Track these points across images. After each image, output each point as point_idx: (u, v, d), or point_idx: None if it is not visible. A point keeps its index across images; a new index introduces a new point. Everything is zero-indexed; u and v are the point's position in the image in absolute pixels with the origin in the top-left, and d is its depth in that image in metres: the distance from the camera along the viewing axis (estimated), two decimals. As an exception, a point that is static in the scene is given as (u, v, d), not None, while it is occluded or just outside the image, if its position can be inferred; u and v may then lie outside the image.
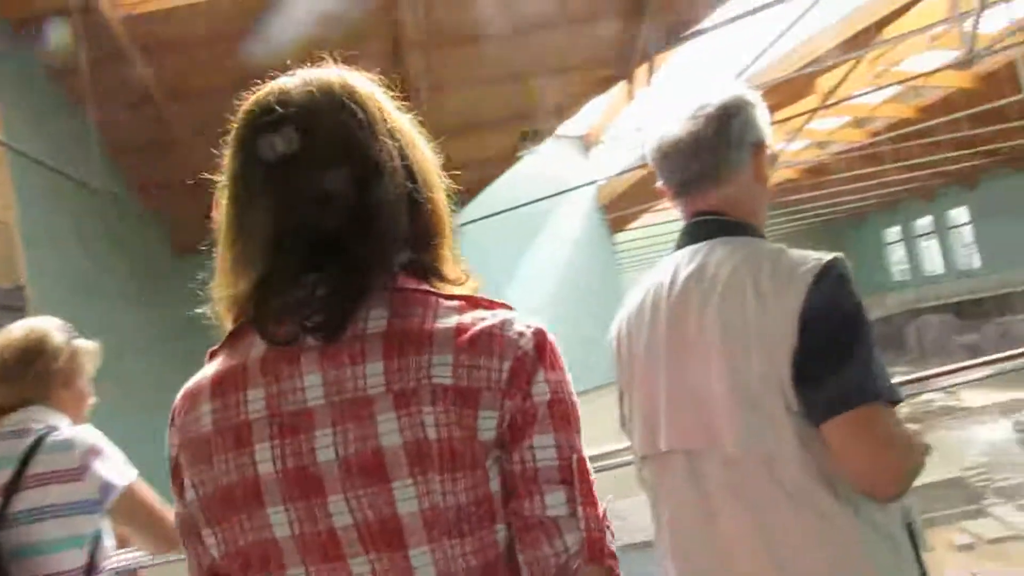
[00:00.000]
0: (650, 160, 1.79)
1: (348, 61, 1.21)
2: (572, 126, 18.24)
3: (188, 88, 7.37)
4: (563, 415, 1.09)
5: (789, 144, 20.07)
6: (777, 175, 24.70)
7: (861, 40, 14.94)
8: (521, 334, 1.09)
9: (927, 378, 3.53)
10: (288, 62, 1.21)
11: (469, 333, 1.07)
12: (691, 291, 1.65)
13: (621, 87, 10.34)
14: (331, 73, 1.19)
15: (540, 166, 14.58)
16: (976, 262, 32.90)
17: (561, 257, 18.78)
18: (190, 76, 7.17)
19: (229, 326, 1.16)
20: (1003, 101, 15.76)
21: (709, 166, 1.72)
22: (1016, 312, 25.66)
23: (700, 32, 9.46)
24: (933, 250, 36.15)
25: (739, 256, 1.63)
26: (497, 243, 15.76)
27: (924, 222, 36.21)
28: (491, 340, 1.08)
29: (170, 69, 7.14)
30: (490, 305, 1.14)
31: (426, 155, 1.21)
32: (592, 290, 18.94)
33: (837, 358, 1.49)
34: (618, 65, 9.02)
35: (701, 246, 1.71)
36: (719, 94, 1.74)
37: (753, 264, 1.60)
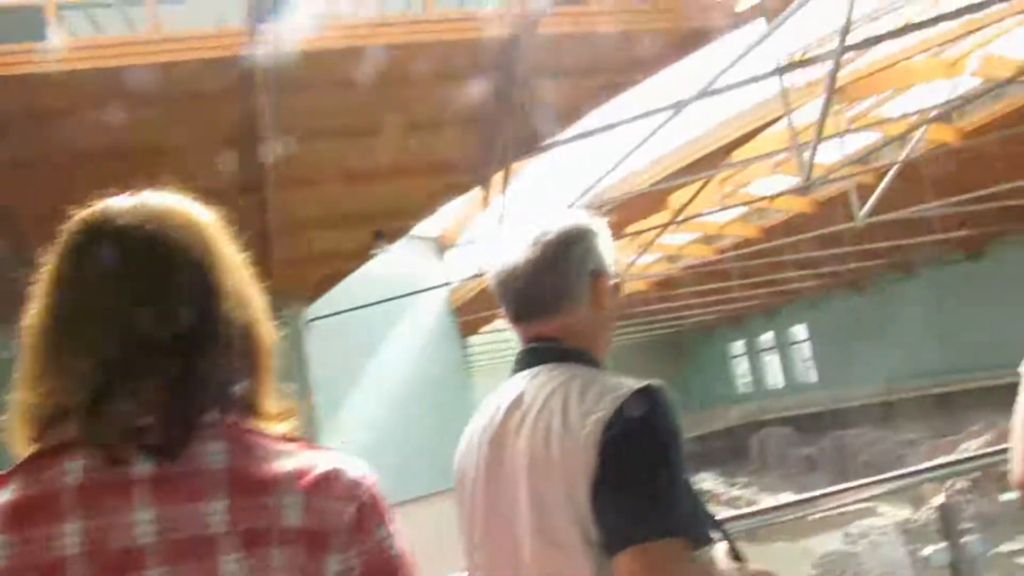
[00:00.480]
0: (491, 285, 1.78)
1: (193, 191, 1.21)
2: (428, 227, 18.41)
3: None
4: (412, 564, 1.14)
5: (640, 257, 20.80)
6: (629, 286, 25.52)
7: (711, 161, 15.78)
8: (358, 482, 1.12)
9: (787, 506, 3.69)
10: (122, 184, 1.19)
11: (310, 476, 1.08)
12: (509, 420, 1.65)
13: (477, 192, 10.57)
14: (170, 198, 1.19)
15: (394, 265, 14.62)
16: (814, 377, 34.60)
17: (411, 358, 18.69)
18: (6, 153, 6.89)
19: (24, 444, 1.08)
20: (837, 227, 16.85)
21: (546, 294, 1.70)
22: (849, 426, 26.91)
23: (558, 143, 9.81)
24: (775, 364, 37.83)
25: (555, 383, 1.61)
26: (347, 339, 15.57)
27: (767, 337, 37.93)
28: (332, 484, 1.09)
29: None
30: (317, 448, 1.15)
31: (256, 292, 1.22)
32: (442, 393, 18.87)
33: (633, 489, 1.45)
34: (475, 170, 9.22)
35: (526, 374, 1.70)
36: (560, 221, 1.74)
37: (565, 391, 1.58)
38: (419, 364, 18.84)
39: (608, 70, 8.27)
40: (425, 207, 10.56)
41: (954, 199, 16.54)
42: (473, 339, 28.12)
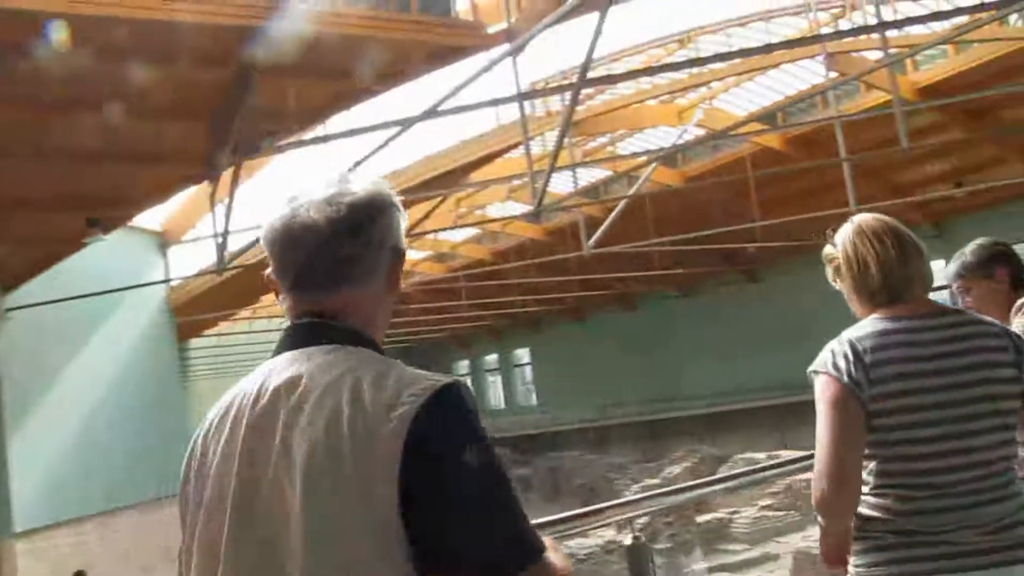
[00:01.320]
0: (267, 241, 1.51)
1: None
2: (150, 219, 17.43)
3: None
4: None
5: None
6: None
7: (449, 180, 15.99)
8: None
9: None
10: None
11: None
12: (277, 408, 1.38)
13: (205, 189, 10.10)
14: None
15: (109, 256, 13.67)
16: (534, 400, 35.90)
17: (122, 357, 17.53)
18: None
19: None
20: (565, 255, 17.56)
21: (342, 262, 1.47)
22: (565, 449, 28.05)
23: (294, 145, 9.56)
24: (498, 385, 38.90)
25: (340, 368, 1.37)
26: (49, 334, 14.41)
27: (491, 358, 38.96)
28: None
29: None
30: None
31: None
32: (153, 397, 17.83)
33: (478, 503, 1.28)
34: (204, 165, 8.77)
35: (300, 354, 1.44)
36: (364, 184, 1.52)
37: (354, 380, 1.35)
38: (131, 365, 17.72)
39: (353, 76, 8.16)
40: (147, 197, 9.96)
41: (671, 238, 17.71)
42: (194, 342, 26.86)
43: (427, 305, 26.57)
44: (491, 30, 8.28)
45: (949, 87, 14.32)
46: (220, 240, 10.67)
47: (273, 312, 27.24)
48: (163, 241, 19.15)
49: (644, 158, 16.14)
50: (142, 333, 18.47)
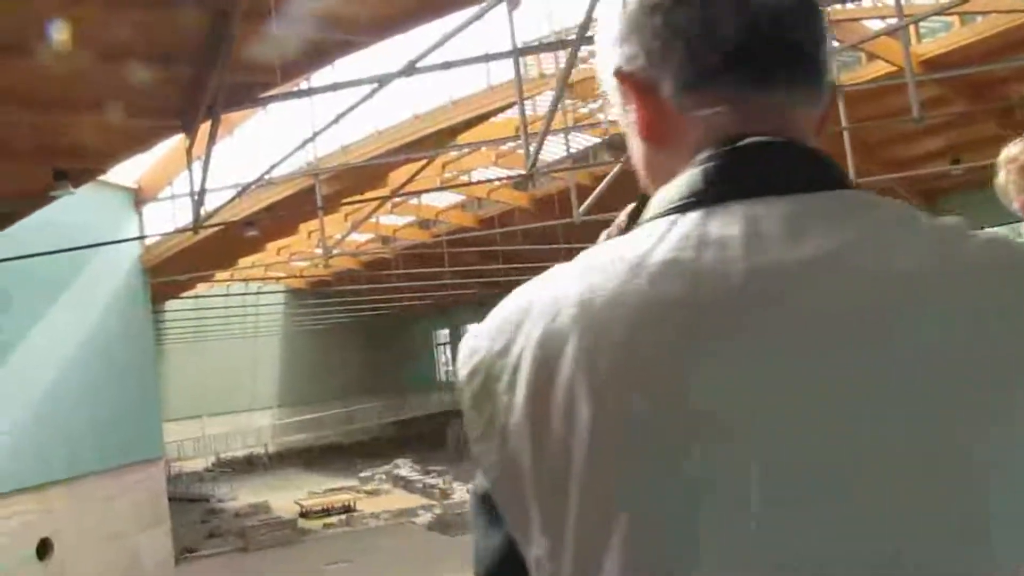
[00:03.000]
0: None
1: None
2: (124, 175, 17.01)
3: None
4: None
5: (350, 234, 20.46)
6: (337, 263, 25.05)
7: (435, 141, 15.67)
8: None
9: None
10: None
11: None
12: (840, 295, 0.77)
13: (182, 143, 9.76)
14: None
15: (77, 212, 13.31)
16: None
17: (92, 318, 17.13)
18: None
19: None
20: (554, 222, 17.35)
21: (821, 59, 0.89)
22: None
23: (275, 98, 9.24)
24: (479, 354, 38.76)
25: (930, 235, 0.81)
26: (19, 290, 14.07)
27: (472, 326, 38.85)
28: None
29: None
30: None
31: None
32: (124, 361, 17.47)
33: None
34: (181, 116, 8.41)
35: (798, 206, 0.82)
36: None
37: (954, 254, 0.80)
38: (101, 326, 17.33)
39: (340, 25, 7.85)
40: (120, 149, 9.56)
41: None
42: (169, 304, 26.49)
43: (409, 271, 26.27)
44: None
45: (952, 60, 14.10)
46: (196, 198, 10.36)
47: (251, 275, 26.93)
48: (138, 198, 18.70)
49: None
50: (114, 294, 18.07)
